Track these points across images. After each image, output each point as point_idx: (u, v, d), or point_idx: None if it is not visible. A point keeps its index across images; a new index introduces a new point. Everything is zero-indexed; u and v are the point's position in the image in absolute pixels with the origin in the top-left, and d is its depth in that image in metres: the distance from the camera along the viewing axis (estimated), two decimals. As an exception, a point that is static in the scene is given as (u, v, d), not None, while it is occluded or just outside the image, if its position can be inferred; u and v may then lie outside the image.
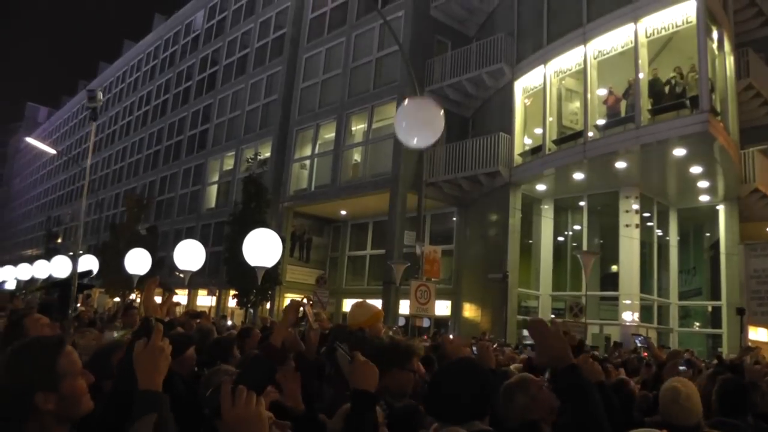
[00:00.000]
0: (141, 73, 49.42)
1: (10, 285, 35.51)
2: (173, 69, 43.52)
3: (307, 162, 28.16)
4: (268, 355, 3.04)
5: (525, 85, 21.93)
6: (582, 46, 19.23)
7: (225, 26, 37.74)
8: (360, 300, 5.58)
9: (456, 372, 2.98)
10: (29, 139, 49.40)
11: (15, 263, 42.63)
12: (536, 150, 21.00)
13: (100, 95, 6.60)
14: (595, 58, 19.14)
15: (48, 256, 30.97)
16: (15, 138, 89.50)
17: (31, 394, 2.02)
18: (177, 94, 41.75)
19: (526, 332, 17.21)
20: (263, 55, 33.03)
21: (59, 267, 23.51)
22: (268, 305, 25.62)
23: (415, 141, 6.83)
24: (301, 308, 3.24)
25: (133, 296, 25.30)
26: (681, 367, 3.90)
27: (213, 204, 34.47)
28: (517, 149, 21.62)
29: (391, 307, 20.43)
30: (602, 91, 19.68)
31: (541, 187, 22.05)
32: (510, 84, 22.14)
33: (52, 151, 57.15)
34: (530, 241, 22.83)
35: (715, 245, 21.72)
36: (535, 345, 3.69)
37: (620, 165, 18.78)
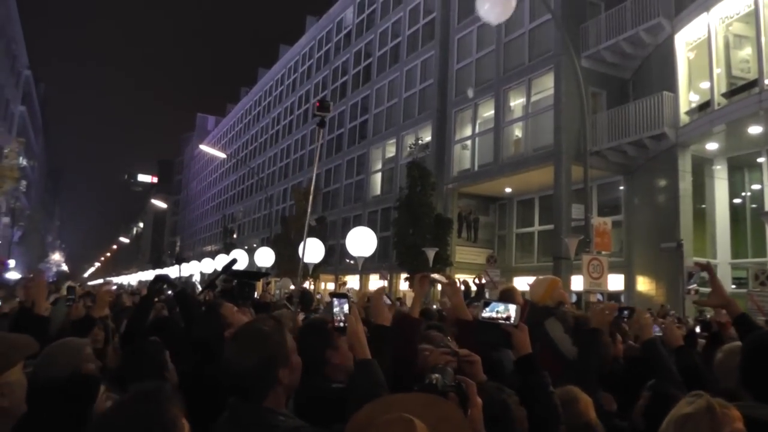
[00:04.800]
0: (298, 74, 51.39)
1: (196, 278, 38.32)
2: (329, 66, 44.96)
3: (468, 142, 28.27)
4: (403, 324, 3.27)
5: (687, 38, 20.79)
6: (752, -17, 17.81)
7: (375, 18, 38.58)
8: (537, 277, 5.78)
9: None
10: (202, 146, 52.87)
11: (198, 258, 45.96)
12: (704, 106, 19.86)
13: (330, 105, 7.25)
14: (768, -5, 17.61)
15: (226, 250, 32.90)
16: (189, 146, 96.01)
17: (276, 369, 2.34)
18: (334, 89, 43.11)
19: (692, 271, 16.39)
20: (415, 41, 33.49)
21: (238, 259, 24.95)
22: (438, 287, 25.98)
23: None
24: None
25: (306, 284, 26.46)
26: None
27: (378, 191, 35.38)
28: (683, 107, 20.56)
29: (563, 283, 20.05)
30: (779, 32, 18.06)
31: (711, 146, 20.65)
32: (670, 38, 21.10)
33: (222, 155, 60.84)
34: (703, 206, 21.50)
35: None
36: (711, 286, 3.73)
37: (804, 112, 17.11)
